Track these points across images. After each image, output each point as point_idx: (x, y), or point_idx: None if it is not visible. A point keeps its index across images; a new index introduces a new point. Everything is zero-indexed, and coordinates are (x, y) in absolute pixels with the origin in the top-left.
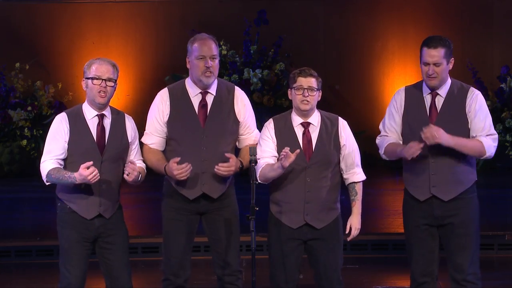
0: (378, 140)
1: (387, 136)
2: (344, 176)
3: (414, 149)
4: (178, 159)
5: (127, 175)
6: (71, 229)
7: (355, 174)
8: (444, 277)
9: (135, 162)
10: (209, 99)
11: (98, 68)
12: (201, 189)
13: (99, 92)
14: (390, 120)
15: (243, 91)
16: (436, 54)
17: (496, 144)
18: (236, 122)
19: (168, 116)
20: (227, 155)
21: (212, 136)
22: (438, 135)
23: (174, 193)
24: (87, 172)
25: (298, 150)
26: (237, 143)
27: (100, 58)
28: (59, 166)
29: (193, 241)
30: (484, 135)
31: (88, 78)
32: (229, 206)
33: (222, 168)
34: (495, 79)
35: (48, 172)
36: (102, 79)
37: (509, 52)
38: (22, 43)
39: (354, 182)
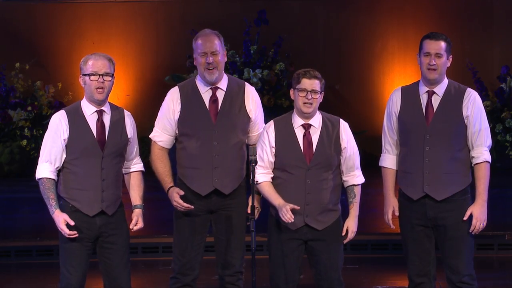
0: (380, 158)
1: (386, 154)
2: (344, 179)
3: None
4: (182, 192)
5: (135, 224)
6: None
7: (355, 176)
8: (443, 277)
9: (140, 222)
10: (220, 95)
11: (94, 64)
12: (213, 184)
13: (97, 88)
14: (388, 122)
15: (253, 87)
16: (438, 45)
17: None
18: (247, 118)
19: (179, 113)
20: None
21: (223, 131)
22: (483, 219)
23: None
24: (65, 229)
25: (298, 207)
26: (246, 140)
27: (96, 53)
28: (54, 176)
29: (204, 241)
30: (482, 147)
31: (85, 75)
32: (239, 207)
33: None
34: (495, 79)
35: (41, 179)
36: (99, 75)
37: (509, 52)
38: (22, 43)
39: (353, 185)
